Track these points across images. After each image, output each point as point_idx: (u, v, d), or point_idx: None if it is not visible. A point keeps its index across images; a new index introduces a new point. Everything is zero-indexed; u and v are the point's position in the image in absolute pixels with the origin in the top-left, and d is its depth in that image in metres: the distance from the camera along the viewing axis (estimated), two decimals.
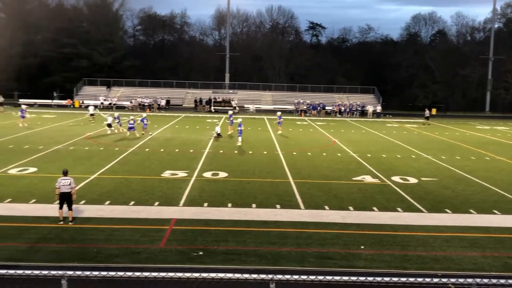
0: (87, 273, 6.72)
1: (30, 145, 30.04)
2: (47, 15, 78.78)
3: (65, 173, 15.53)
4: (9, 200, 17.63)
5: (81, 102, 65.22)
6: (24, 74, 75.75)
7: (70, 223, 15.22)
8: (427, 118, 54.13)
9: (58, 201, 15.42)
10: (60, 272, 6.59)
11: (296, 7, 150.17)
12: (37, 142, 30.98)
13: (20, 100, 65.99)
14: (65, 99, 67.65)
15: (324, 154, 30.14)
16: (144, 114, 40.59)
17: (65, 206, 15.26)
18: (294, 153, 30.02)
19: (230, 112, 42.77)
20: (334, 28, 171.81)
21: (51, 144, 30.46)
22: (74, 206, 15.62)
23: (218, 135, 35.92)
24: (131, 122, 35.85)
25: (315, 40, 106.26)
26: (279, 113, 43.07)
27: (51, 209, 16.63)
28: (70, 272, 6.65)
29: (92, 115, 44.71)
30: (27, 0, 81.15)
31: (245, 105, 65.94)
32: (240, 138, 33.35)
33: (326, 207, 17.85)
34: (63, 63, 77.97)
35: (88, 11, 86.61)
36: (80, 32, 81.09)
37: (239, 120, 34.69)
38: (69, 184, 15.28)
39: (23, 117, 39.93)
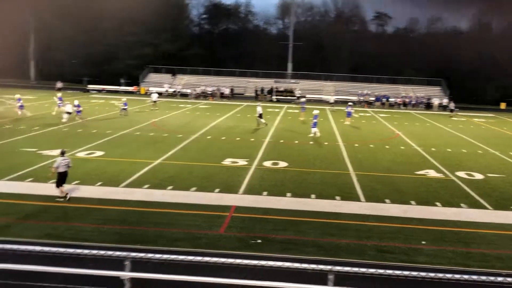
0: (150, 255, 6.90)
1: (98, 129, 31.09)
2: (113, 4, 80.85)
3: (63, 153, 16.44)
4: (77, 182, 18.33)
5: (147, 89, 66.79)
6: (91, 61, 78.26)
7: (61, 200, 16.02)
8: (451, 110, 53.26)
9: (55, 180, 16.20)
10: (124, 253, 6.80)
11: None
12: (105, 127, 32.02)
13: (89, 86, 68.33)
14: (131, 86, 69.46)
15: (387, 146, 29.58)
16: (124, 99, 41.12)
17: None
18: (356, 145, 29.63)
19: (303, 99, 43.61)
20: (400, 18, 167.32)
21: (118, 129, 31.41)
22: (138, 189, 16.07)
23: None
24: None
25: (381, 30, 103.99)
26: (350, 104, 43.18)
27: (117, 192, 17.20)
28: (134, 254, 6.86)
29: (154, 102, 45.58)
30: None
31: (307, 95, 65.55)
32: (313, 130, 32.30)
33: (387, 201, 17.55)
34: (130, 50, 79.93)
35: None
36: (146, 20, 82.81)
37: (316, 112, 33.58)
38: (67, 164, 16.18)
39: (60, 105, 38.78)
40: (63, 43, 75.76)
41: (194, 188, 18.10)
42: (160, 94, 60.21)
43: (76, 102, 35.78)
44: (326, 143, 29.80)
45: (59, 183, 16.12)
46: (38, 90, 63.17)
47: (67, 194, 16.25)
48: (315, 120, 32.35)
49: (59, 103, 38.83)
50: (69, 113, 34.10)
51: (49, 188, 17.15)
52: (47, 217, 14.51)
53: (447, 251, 12.97)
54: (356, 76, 75.28)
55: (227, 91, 65.30)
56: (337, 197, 17.71)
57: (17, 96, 36.66)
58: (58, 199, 16.07)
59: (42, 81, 73.87)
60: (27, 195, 16.42)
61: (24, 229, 13.46)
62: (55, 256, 7.02)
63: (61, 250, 6.90)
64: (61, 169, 16.07)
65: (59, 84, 58.18)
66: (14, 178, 18.53)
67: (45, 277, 8.42)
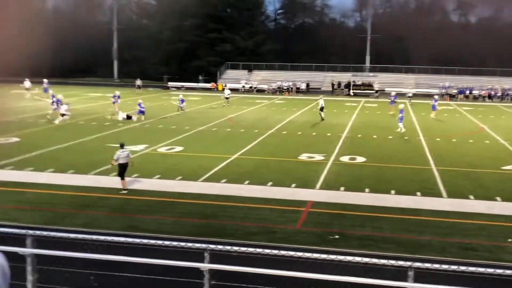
0: (228, 247, 7.02)
1: (177, 125, 31.95)
2: (195, 1, 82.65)
3: (122, 146, 17.02)
4: (158, 176, 18.95)
5: (224, 85, 67.87)
6: (172, 58, 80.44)
7: (125, 192, 16.62)
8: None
9: (117, 172, 17.05)
10: (204, 245, 6.96)
11: None
12: (183, 123, 32.84)
13: (169, 83, 70.33)
14: (209, 83, 70.78)
15: (471, 141, 28.43)
16: (180, 95, 40.69)
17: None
18: (438, 139, 28.68)
19: (393, 93, 44.01)
20: (484, 7, 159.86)
21: (196, 125, 32.13)
22: (217, 184, 16.40)
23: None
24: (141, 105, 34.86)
25: (464, 20, 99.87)
26: (436, 97, 42.27)
27: (195, 186, 17.62)
28: (212, 246, 7.00)
29: (226, 98, 45.67)
30: None
31: (386, 89, 64.15)
32: (401, 125, 30.94)
33: (471, 197, 16.87)
34: (209, 47, 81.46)
35: None
36: (224, 17, 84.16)
37: (402, 106, 32.45)
38: (127, 155, 16.75)
39: (114, 102, 38.55)
40: (146, 41, 78.45)
41: (270, 183, 18.21)
42: (236, 90, 60.92)
43: (180, 96, 39.43)
44: (406, 138, 29.05)
45: (121, 175, 16.80)
46: (121, 87, 65.77)
47: (125, 188, 16.87)
48: (401, 115, 31.17)
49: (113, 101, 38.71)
50: (129, 117, 33.96)
51: (131, 182, 17.83)
52: (131, 210, 15.10)
53: None
54: (438, 68, 72.75)
55: (303, 85, 65.10)
56: (418, 193, 17.23)
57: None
58: (121, 192, 16.70)
59: (124, 79, 76.85)
60: (111, 189, 17.14)
61: (111, 220, 14.10)
62: (138, 247, 7.31)
63: (144, 241, 7.16)
64: (121, 161, 16.77)
65: (138, 82, 60.17)
66: (101, 172, 19.41)
67: (128, 267, 8.77)
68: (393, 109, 40.33)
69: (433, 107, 39.31)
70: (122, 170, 16.79)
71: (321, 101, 36.88)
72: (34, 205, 15.44)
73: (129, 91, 57.59)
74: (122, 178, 16.81)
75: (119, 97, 38.89)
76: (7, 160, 20.70)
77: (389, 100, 43.26)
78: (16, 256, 6.95)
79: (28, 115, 34.87)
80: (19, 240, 7.46)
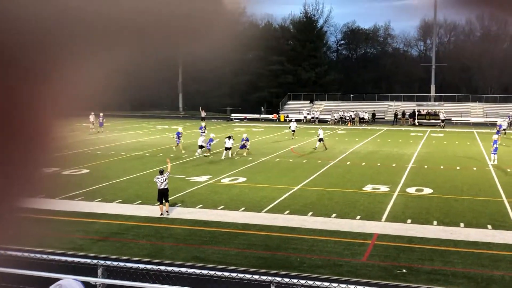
0: (294, 280, 6.98)
1: (240, 156, 32.23)
2: (257, 34, 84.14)
3: (161, 172, 17.79)
4: (221, 207, 19.12)
5: (286, 116, 68.17)
6: (235, 90, 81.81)
7: (166, 213, 17.66)
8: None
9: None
10: (270, 278, 6.94)
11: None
12: (246, 154, 33.09)
13: (232, 114, 71.42)
14: (271, 114, 71.32)
15: None
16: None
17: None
18: (508, 170, 27.53)
19: (500, 122, 43.04)
20: None
21: (258, 155, 32.31)
22: (280, 215, 16.39)
23: None
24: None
25: None
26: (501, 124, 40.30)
27: (259, 217, 17.65)
28: (279, 279, 6.97)
29: (293, 131, 44.34)
30: (240, 22, 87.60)
31: (452, 119, 62.56)
32: (494, 156, 29.18)
33: None
34: (271, 79, 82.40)
35: (294, 29, 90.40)
36: (286, 49, 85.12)
37: (495, 136, 30.69)
38: (165, 181, 17.56)
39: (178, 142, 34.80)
40: (209, 74, 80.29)
41: (334, 215, 17.98)
42: (298, 120, 61.01)
43: (244, 136, 34.03)
44: (474, 168, 28.07)
45: (159, 199, 17.61)
46: (185, 120, 67.41)
47: (165, 212, 17.76)
48: (495, 146, 29.34)
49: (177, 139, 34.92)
50: (201, 146, 32.37)
51: (196, 213, 18.10)
52: (195, 241, 15.28)
53: None
54: (506, 96, 70.28)
55: (365, 115, 64.43)
56: (489, 226, 16.52)
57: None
58: (160, 215, 17.63)
59: (189, 111, 78.72)
60: (177, 220, 17.45)
61: (176, 251, 14.31)
62: (205, 278, 7.38)
63: (211, 272, 7.23)
64: (160, 186, 17.50)
65: (202, 113, 61.05)
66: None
67: None
68: (500, 139, 35.58)
69: (497, 133, 36.95)
70: (160, 195, 17.62)
71: (320, 131, 36.47)
72: (103, 235, 15.91)
73: (194, 123, 58.85)
74: (161, 203, 17.66)
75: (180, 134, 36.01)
76: (78, 191, 21.51)
77: (496, 130, 40.13)
78: (88, 286, 7.16)
79: (95, 148, 36.23)
80: (90, 270, 7.70)
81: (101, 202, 19.90)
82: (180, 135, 34.65)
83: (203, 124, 41.26)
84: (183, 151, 33.43)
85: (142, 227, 16.72)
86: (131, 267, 7.79)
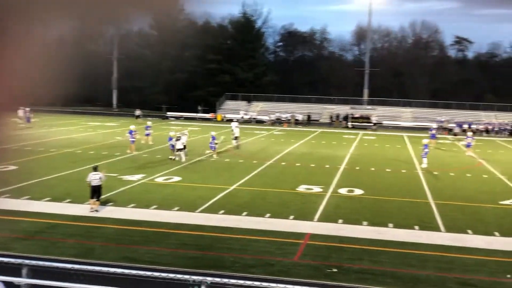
0: (225, 280, 6.94)
1: (213, 157, 31.74)
2: (195, 33, 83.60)
3: (95, 169, 18.12)
4: (155, 206, 18.84)
5: (223, 116, 68.09)
6: (172, 88, 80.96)
7: (96, 211, 17.62)
8: (455, 134, 51.43)
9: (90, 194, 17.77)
10: (200, 278, 6.88)
11: (440, 21, 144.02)
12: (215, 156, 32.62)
13: (168, 113, 70.57)
14: (208, 113, 71.02)
15: (468, 175, 28.41)
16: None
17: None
18: (435, 172, 28.66)
19: (434, 125, 44.63)
20: (481, 43, 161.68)
21: (194, 155, 32.04)
22: (214, 215, 16.32)
23: None
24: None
25: (461, 55, 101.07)
26: (470, 134, 39.69)
27: (192, 217, 17.51)
28: (210, 278, 6.92)
29: (236, 138, 43.64)
30: (178, 19, 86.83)
31: (384, 122, 64.52)
32: (425, 160, 30.25)
33: (469, 231, 16.77)
34: (208, 78, 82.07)
35: (233, 29, 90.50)
36: (224, 48, 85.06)
37: (425, 141, 31.45)
38: (99, 178, 17.71)
39: (132, 141, 32.97)
40: (146, 71, 79.02)
41: (268, 215, 18.10)
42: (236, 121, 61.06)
43: (212, 133, 32.64)
44: (404, 171, 29.05)
45: (92, 195, 17.66)
46: (119, 117, 66.05)
47: (95, 209, 17.72)
48: (426, 150, 30.32)
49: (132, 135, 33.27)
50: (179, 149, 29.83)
51: (128, 212, 17.75)
52: (127, 241, 14.97)
53: None
54: (435, 102, 73.26)
55: (300, 117, 65.31)
56: (416, 227, 17.12)
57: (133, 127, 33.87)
58: (91, 210, 17.63)
59: (123, 108, 77.21)
60: (108, 219, 17.05)
61: (106, 251, 13.95)
62: (135, 279, 7.22)
63: (141, 273, 7.08)
64: (93, 183, 17.60)
65: (137, 112, 59.93)
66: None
67: None
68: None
69: (469, 145, 37.45)
70: (93, 192, 17.64)
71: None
72: (29, 233, 15.30)
73: (128, 121, 57.75)
74: (92, 198, 17.66)
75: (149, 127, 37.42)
76: (4, 188, 20.59)
77: (429, 134, 41.09)
78: (12, 285, 6.85)
79: (24, 144, 34.85)
80: (14, 270, 7.37)
81: (29, 200, 19.15)
82: (133, 133, 32.70)
83: (149, 123, 39.90)
84: (134, 152, 32.34)
85: (71, 226, 16.21)
86: (57, 267, 7.51)
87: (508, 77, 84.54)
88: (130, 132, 32.71)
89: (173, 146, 30.13)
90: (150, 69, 78.91)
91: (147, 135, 36.64)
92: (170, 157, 30.07)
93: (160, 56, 79.00)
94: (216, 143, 32.02)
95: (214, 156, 31.76)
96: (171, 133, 31.75)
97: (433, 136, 39.05)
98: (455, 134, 51.45)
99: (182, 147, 29.32)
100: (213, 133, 32.93)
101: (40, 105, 50.65)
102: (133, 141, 32.65)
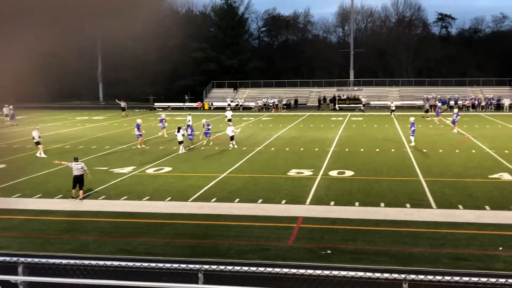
0: (222, 267, 7.00)
1: (165, 145, 31.88)
2: (178, 22, 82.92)
3: (76, 159, 18.72)
4: (147, 198, 18.86)
5: (210, 104, 67.93)
6: (158, 79, 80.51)
7: (79, 200, 18.28)
8: (426, 111, 51.37)
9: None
10: (197, 266, 6.93)
11: None
12: (172, 143, 32.74)
13: (155, 103, 70.25)
14: (195, 102, 70.82)
15: (457, 151, 28.68)
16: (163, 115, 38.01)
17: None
18: (424, 150, 28.89)
19: (439, 104, 44.52)
20: (464, 19, 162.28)
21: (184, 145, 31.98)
22: (206, 203, 16.36)
23: None
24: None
25: (445, 32, 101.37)
26: (455, 110, 40.16)
27: (185, 206, 17.56)
28: (206, 266, 6.98)
29: (229, 120, 43.82)
30: (160, 9, 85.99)
31: (371, 102, 64.73)
32: (412, 138, 30.63)
33: (460, 207, 16.99)
34: (193, 66, 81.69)
35: (216, 16, 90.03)
36: (208, 36, 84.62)
37: (412, 119, 31.19)
38: (81, 168, 18.37)
39: (163, 127, 37.28)
40: (131, 62, 78.37)
41: (260, 200, 18.20)
42: (222, 108, 60.90)
43: (203, 121, 33.44)
44: (393, 150, 29.24)
45: (74, 185, 18.33)
46: (106, 110, 65.71)
47: (78, 197, 18.34)
48: (413, 128, 30.52)
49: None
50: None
51: (121, 205, 17.77)
52: (121, 233, 15.00)
53: None
54: (421, 80, 73.57)
55: (286, 101, 65.12)
56: (407, 205, 17.31)
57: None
58: (71, 198, 18.40)
59: (110, 101, 76.75)
60: (101, 212, 17.06)
61: (101, 244, 13.98)
62: (131, 271, 7.26)
63: (137, 264, 7.12)
64: (75, 173, 18.15)
65: (122, 104, 59.13)
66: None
67: None
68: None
69: (454, 122, 37.70)
70: (75, 181, 18.22)
71: (189, 117, 37.57)
72: (23, 231, 15.28)
73: (115, 114, 57.47)
74: (74, 188, 18.28)
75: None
76: None
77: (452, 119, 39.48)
78: (8, 284, 6.88)
79: (11, 141, 34.62)
80: (10, 268, 7.38)
81: (20, 198, 19.11)
82: (139, 127, 32.09)
83: (163, 115, 39.86)
84: (143, 146, 31.99)
85: (64, 221, 16.20)
86: (53, 263, 7.53)
87: (491, 52, 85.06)
88: (137, 126, 32.07)
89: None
90: (135, 61, 78.27)
91: (163, 127, 37.27)
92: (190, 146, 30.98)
93: (144, 47, 78.35)
94: (209, 129, 32.63)
95: (210, 143, 32.17)
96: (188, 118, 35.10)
97: (454, 122, 37.64)
98: (426, 111, 51.62)
99: (182, 139, 29.24)
100: (204, 121, 33.30)
101: (25, 101, 50.19)
102: (139, 135, 31.83)
